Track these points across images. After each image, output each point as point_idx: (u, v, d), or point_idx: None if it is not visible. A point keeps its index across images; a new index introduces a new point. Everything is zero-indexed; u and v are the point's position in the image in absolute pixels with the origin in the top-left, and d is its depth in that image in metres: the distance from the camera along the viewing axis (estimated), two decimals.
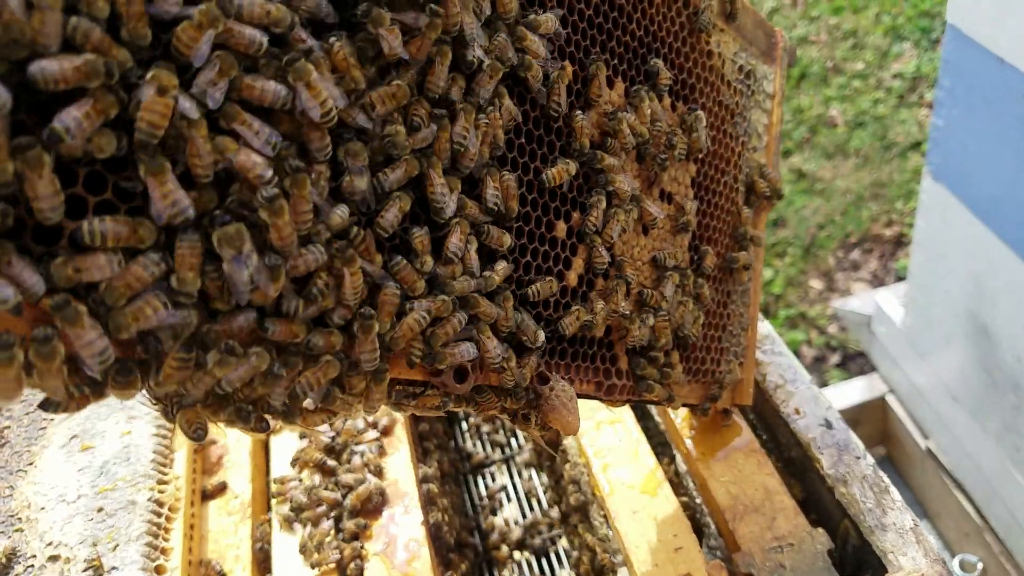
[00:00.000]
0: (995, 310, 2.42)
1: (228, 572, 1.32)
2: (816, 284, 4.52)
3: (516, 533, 1.75)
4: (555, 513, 1.76)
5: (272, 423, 0.77)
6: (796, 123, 5.29)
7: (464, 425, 2.07)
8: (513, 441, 1.99)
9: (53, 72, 0.57)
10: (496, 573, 1.73)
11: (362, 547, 1.31)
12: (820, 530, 1.24)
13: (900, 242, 4.63)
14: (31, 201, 0.58)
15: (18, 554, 1.28)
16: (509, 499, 1.89)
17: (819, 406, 1.39)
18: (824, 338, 4.26)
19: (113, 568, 1.22)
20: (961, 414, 2.81)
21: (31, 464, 1.40)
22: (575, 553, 1.59)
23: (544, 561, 1.75)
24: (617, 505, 1.33)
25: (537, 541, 1.73)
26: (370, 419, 1.48)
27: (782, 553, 1.22)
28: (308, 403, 0.79)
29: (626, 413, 1.48)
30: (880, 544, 1.20)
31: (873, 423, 3.40)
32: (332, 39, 0.72)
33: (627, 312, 1.06)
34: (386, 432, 1.48)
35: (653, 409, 1.57)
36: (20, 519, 1.33)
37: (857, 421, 3.31)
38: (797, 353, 4.21)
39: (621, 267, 1.04)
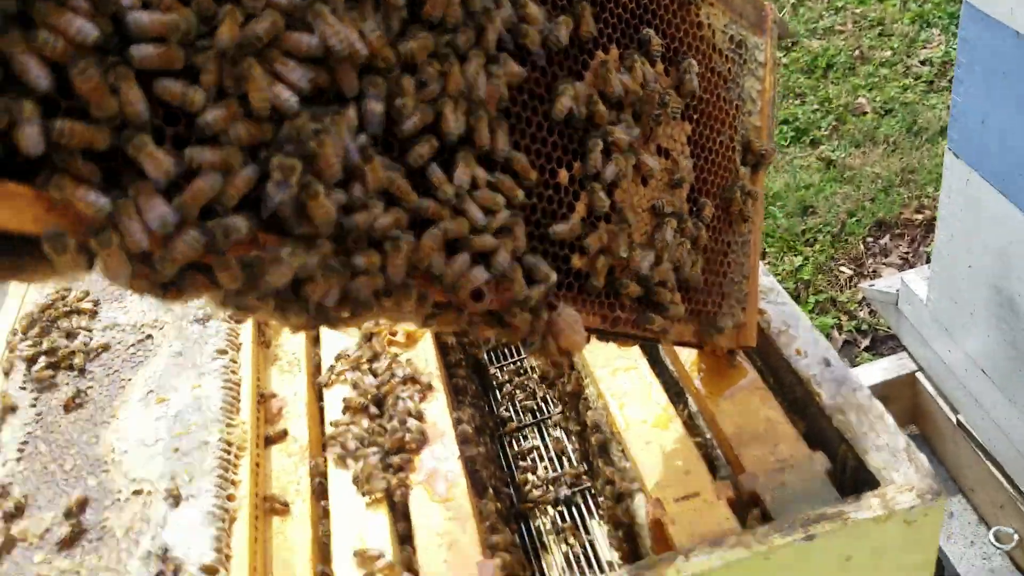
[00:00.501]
0: (1020, 283, 2.49)
1: (291, 502, 1.49)
2: (846, 270, 4.59)
3: (548, 486, 1.90)
4: (583, 468, 1.91)
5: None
6: (824, 113, 5.36)
7: (498, 393, 2.23)
8: (545, 407, 2.14)
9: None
10: (530, 521, 1.88)
11: (406, 478, 1.47)
12: (820, 453, 1.37)
13: (931, 226, 4.67)
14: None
15: (106, 490, 1.47)
16: (541, 458, 2.04)
17: (819, 347, 1.52)
18: (854, 322, 4.33)
19: (190, 496, 1.40)
20: (990, 388, 2.87)
21: (113, 416, 1.59)
22: (599, 487, 1.73)
23: (575, 510, 1.90)
24: (632, 438, 1.47)
25: (568, 492, 1.88)
26: (409, 373, 1.64)
27: (784, 473, 1.35)
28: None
29: (640, 360, 1.62)
30: (874, 463, 1.32)
31: (903, 401, 3.46)
32: None
33: (628, 255, 1.19)
34: (427, 388, 1.65)
35: (666, 358, 1.71)
36: (106, 462, 1.52)
37: (887, 399, 3.38)
38: (828, 337, 4.28)
39: (622, 212, 1.18)
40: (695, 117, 1.32)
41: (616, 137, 1.12)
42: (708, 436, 1.56)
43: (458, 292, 0.98)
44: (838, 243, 4.69)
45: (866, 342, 4.24)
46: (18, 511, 1.45)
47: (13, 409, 1.64)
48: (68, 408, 1.61)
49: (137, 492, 1.44)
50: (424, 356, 1.71)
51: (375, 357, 1.69)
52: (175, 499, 1.40)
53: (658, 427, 1.49)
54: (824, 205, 4.84)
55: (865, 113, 5.31)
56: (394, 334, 1.74)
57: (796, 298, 4.51)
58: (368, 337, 1.73)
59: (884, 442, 1.34)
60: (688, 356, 1.60)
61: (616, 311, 1.22)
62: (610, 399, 1.55)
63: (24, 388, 1.68)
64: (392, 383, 1.63)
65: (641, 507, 1.48)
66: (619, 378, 1.59)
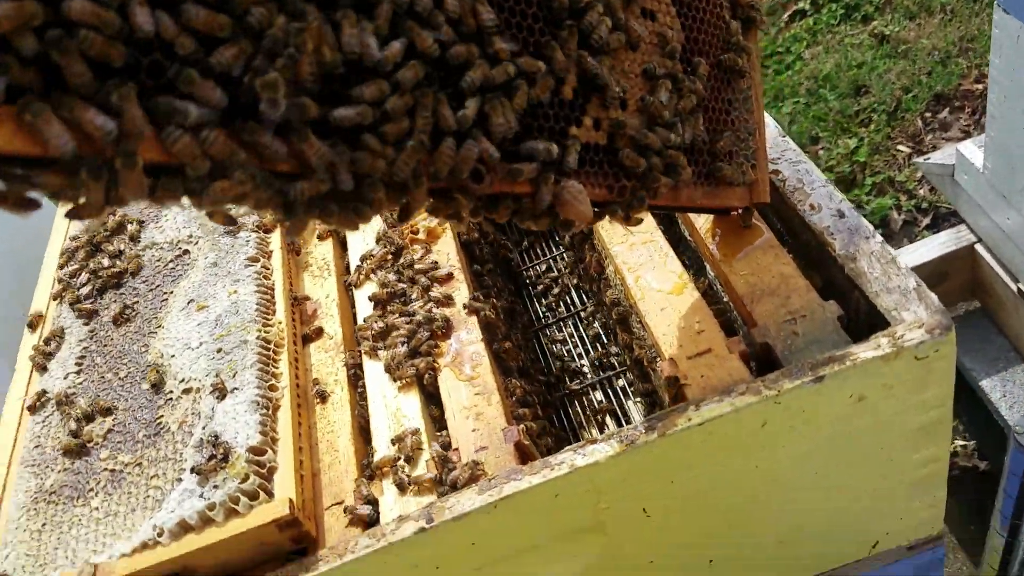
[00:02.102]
0: None
1: (329, 392, 1.59)
2: (904, 148, 4.43)
3: (583, 374, 1.95)
4: (616, 353, 1.95)
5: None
6: None
7: (532, 290, 2.27)
8: (577, 299, 2.18)
9: None
10: (568, 409, 1.94)
11: (434, 362, 1.54)
12: (831, 301, 1.37)
13: None
14: None
15: (159, 391, 1.58)
16: (576, 347, 2.08)
17: (833, 201, 1.51)
18: (914, 201, 4.20)
19: (234, 389, 1.50)
20: None
21: (159, 327, 1.70)
22: (628, 364, 1.78)
23: (611, 394, 1.95)
24: (647, 306, 1.50)
25: (602, 377, 1.93)
26: (434, 261, 1.70)
27: (795, 324, 1.37)
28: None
29: (656, 233, 1.63)
30: (885, 304, 1.32)
31: (963, 275, 3.37)
32: None
33: (625, 121, 1.20)
34: (448, 276, 1.70)
35: (683, 227, 1.72)
36: (156, 366, 1.63)
37: (945, 274, 3.30)
38: (886, 219, 4.18)
39: (611, 75, 1.18)
40: None
41: None
42: (725, 300, 1.58)
43: (458, 176, 1.01)
44: (894, 121, 4.52)
45: (926, 220, 4.12)
46: (87, 419, 1.58)
47: (67, 329, 1.77)
48: (117, 323, 1.73)
49: (187, 391, 1.55)
50: (446, 251, 1.77)
51: (398, 255, 1.75)
52: (221, 393, 1.50)
53: (673, 293, 1.51)
54: (878, 83, 4.65)
55: None
56: (416, 232, 1.79)
57: (852, 181, 4.39)
58: (391, 237, 1.78)
59: (895, 284, 1.33)
60: (703, 223, 1.60)
61: (621, 180, 1.24)
62: (627, 272, 1.58)
63: (75, 308, 1.80)
64: (415, 277, 1.69)
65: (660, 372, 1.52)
66: (636, 251, 1.61)
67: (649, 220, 1.65)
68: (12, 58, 0.71)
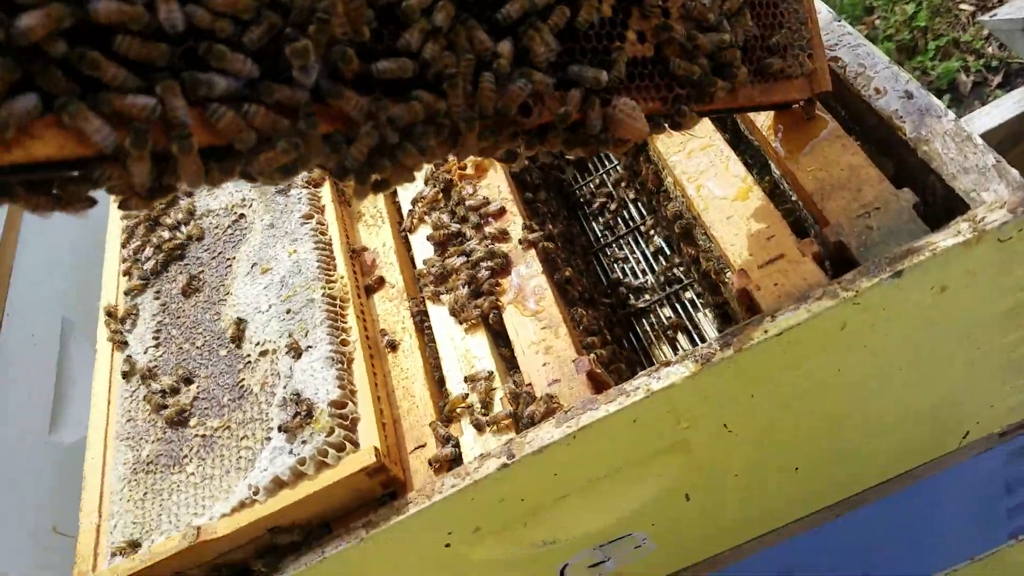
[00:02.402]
0: None
1: (398, 340, 1.60)
2: (966, 6, 4.15)
3: (649, 291, 1.91)
4: (680, 265, 1.91)
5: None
6: None
7: (587, 209, 2.22)
8: (636, 214, 2.12)
9: None
10: (636, 327, 1.91)
11: (497, 300, 1.53)
12: (905, 189, 1.30)
13: None
14: None
15: (236, 356, 1.62)
16: (639, 263, 2.04)
17: (899, 82, 1.41)
18: (983, 60, 3.95)
19: (308, 347, 1.53)
20: None
21: (228, 294, 1.72)
22: (695, 277, 1.74)
23: (679, 308, 1.91)
24: (712, 216, 1.45)
25: (669, 292, 1.89)
26: (484, 197, 1.67)
27: (869, 217, 1.30)
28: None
29: (716, 137, 1.56)
30: (963, 187, 1.24)
31: None
32: None
33: (671, 25, 1.14)
34: (501, 211, 1.67)
35: (743, 127, 1.64)
36: (236, 321, 1.66)
37: (1020, 135, 3.11)
38: (954, 84, 3.95)
39: None
40: None
41: None
42: (793, 199, 1.51)
43: (507, 113, 0.98)
44: None
45: (998, 79, 3.88)
46: (172, 392, 1.63)
47: (140, 305, 1.82)
48: (187, 294, 1.76)
49: (263, 353, 1.58)
50: (496, 183, 1.73)
51: (449, 193, 1.73)
52: (296, 352, 1.53)
53: (738, 199, 1.45)
54: None
55: None
56: (464, 167, 1.76)
57: (913, 48, 4.15)
58: (439, 176, 1.76)
59: (972, 163, 1.25)
60: (764, 120, 1.53)
61: (674, 89, 1.18)
62: (687, 182, 1.52)
63: (145, 284, 1.84)
64: (468, 215, 1.67)
65: (731, 284, 1.48)
66: (695, 158, 1.55)
67: (706, 123, 1.58)
68: (52, 68, 0.71)
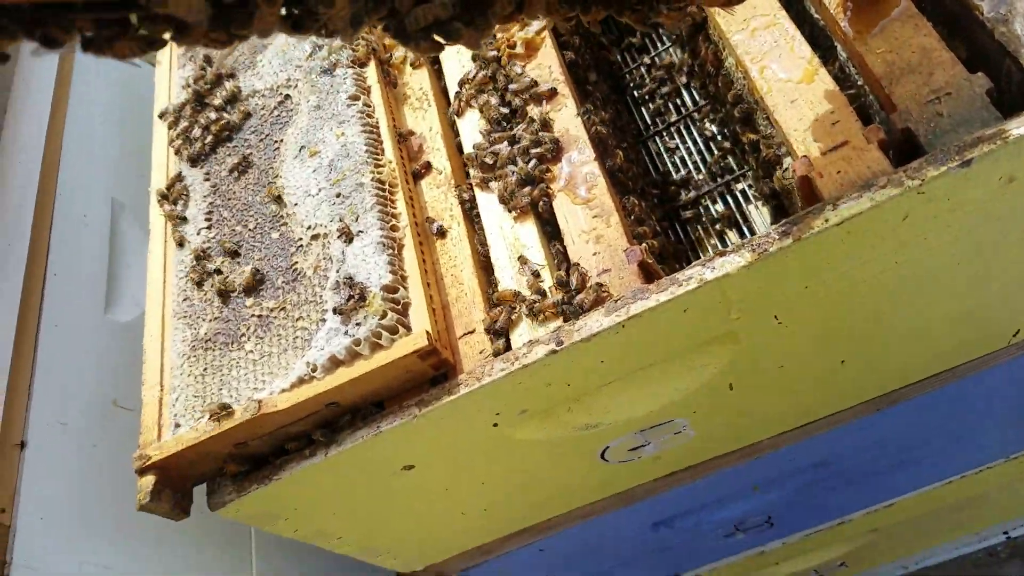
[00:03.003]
0: None
1: (448, 227, 1.59)
2: None
3: (700, 181, 1.87)
4: (735, 154, 1.85)
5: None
6: None
7: (636, 94, 2.15)
8: (689, 100, 2.05)
9: None
10: (685, 220, 1.88)
11: (547, 187, 1.51)
12: (979, 74, 1.23)
13: None
14: None
15: (288, 239, 1.63)
16: (690, 153, 1.98)
17: None
18: None
19: (359, 232, 1.53)
20: None
21: (277, 176, 1.72)
22: (751, 165, 1.69)
23: (730, 199, 1.87)
24: (775, 100, 1.39)
25: (721, 182, 1.85)
26: (532, 80, 1.63)
27: (940, 103, 1.24)
28: None
29: (780, 15, 1.48)
30: None
31: None
32: None
33: None
34: (552, 92, 1.63)
35: (809, 7, 1.56)
36: (282, 216, 1.67)
37: None
38: None
39: None
40: None
41: None
42: (860, 83, 1.45)
43: None
44: None
45: None
46: (218, 272, 1.66)
47: (190, 187, 1.83)
48: (236, 175, 1.77)
49: (315, 236, 1.59)
50: (547, 64, 1.68)
51: (497, 75, 1.68)
52: (348, 237, 1.53)
53: (804, 82, 1.39)
54: None
55: None
56: (512, 46, 1.70)
57: None
58: (487, 56, 1.70)
59: None
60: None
61: None
62: (749, 64, 1.46)
63: (195, 165, 1.85)
64: (518, 97, 1.63)
65: (791, 171, 1.44)
66: (758, 38, 1.48)
67: (771, 1, 1.50)
68: None
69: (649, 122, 2.05)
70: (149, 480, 1.48)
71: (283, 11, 0.83)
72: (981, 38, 1.29)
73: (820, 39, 1.56)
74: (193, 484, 1.57)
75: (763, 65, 1.45)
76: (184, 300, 1.70)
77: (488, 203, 1.57)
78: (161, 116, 1.98)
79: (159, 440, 1.53)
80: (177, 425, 1.53)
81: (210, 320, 1.63)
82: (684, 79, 2.00)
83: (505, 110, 1.63)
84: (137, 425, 1.57)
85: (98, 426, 1.99)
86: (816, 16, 1.55)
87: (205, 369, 1.58)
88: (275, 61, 1.88)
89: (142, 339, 1.71)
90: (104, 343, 2.11)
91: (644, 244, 1.39)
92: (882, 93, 1.32)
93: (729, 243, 1.79)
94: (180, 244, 1.76)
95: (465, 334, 1.46)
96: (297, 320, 1.52)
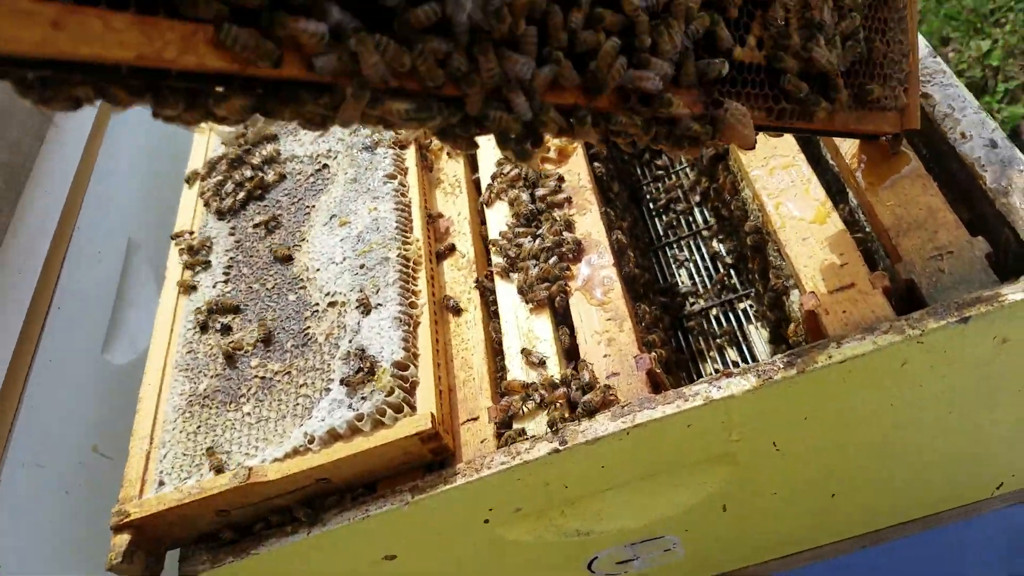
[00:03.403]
0: None
1: (464, 308, 1.65)
2: None
3: (705, 295, 1.95)
4: (740, 275, 1.94)
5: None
6: None
7: (651, 206, 2.26)
8: (700, 217, 2.15)
9: None
10: (687, 329, 1.96)
11: (565, 285, 1.57)
12: (980, 238, 1.33)
13: None
14: None
15: (304, 303, 1.67)
16: (697, 269, 2.07)
17: (985, 129, 1.44)
18: None
19: (378, 304, 1.58)
20: None
21: (303, 240, 1.78)
22: (757, 290, 1.77)
23: (731, 317, 1.95)
24: (788, 235, 1.48)
25: (725, 300, 1.93)
26: (559, 182, 1.71)
27: (942, 260, 1.34)
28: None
29: (799, 158, 1.59)
30: None
31: None
32: None
33: (790, 34, 1.16)
34: (582, 201, 1.71)
35: (826, 152, 1.67)
36: (302, 279, 1.72)
37: None
38: (1018, 129, 3.93)
39: None
40: None
41: None
42: (868, 230, 1.55)
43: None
44: None
45: None
46: (226, 330, 1.69)
47: (214, 239, 1.87)
48: (262, 234, 1.81)
49: (332, 304, 1.63)
50: (577, 171, 1.77)
51: (529, 174, 1.76)
52: (366, 308, 1.58)
53: (816, 222, 1.49)
54: None
55: None
56: (547, 151, 1.80)
57: (983, 87, 4.12)
58: None
59: None
60: (848, 148, 1.56)
61: (781, 103, 1.21)
62: (766, 198, 1.56)
63: (222, 219, 1.90)
64: (547, 198, 1.71)
65: (796, 302, 1.51)
66: (776, 176, 1.58)
67: (790, 142, 1.61)
68: None
69: (662, 232, 2.14)
70: (124, 539, 1.43)
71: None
72: (983, 205, 1.39)
73: (834, 183, 1.67)
74: (167, 548, 1.52)
75: (779, 201, 1.54)
76: (188, 352, 1.71)
77: (506, 292, 1.63)
78: (188, 181, 2.02)
79: (140, 497, 1.49)
80: (161, 483, 1.50)
81: (212, 376, 1.64)
82: (698, 198, 2.11)
83: (532, 206, 1.71)
84: (114, 475, 1.53)
85: (74, 472, 1.92)
86: (832, 163, 1.66)
87: (199, 427, 1.56)
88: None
89: (134, 384, 1.69)
90: (95, 384, 2.08)
91: (653, 353, 1.44)
92: (889, 243, 1.41)
93: (728, 358, 1.86)
94: (191, 290, 1.79)
95: (468, 420, 1.49)
96: (301, 386, 1.54)
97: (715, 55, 1.11)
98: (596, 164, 1.83)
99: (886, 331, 1.25)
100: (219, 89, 0.75)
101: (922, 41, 1.56)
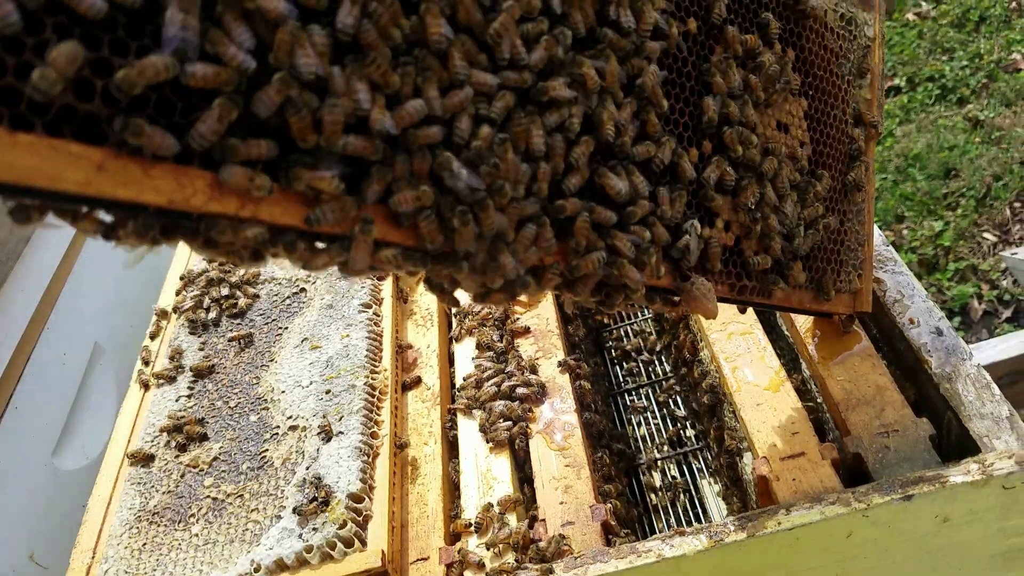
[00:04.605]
0: None
1: (425, 442, 1.66)
2: (990, 236, 4.37)
3: (659, 445, 1.99)
4: (694, 430, 1.99)
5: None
6: (973, 69, 5.07)
7: (614, 353, 2.32)
8: (659, 368, 2.22)
9: None
10: (640, 477, 1.98)
11: (527, 426, 1.61)
12: (924, 419, 1.40)
13: None
14: None
15: (265, 425, 1.68)
16: (654, 416, 2.12)
17: (932, 317, 1.54)
18: (996, 292, 4.14)
19: (339, 432, 1.59)
20: None
21: (272, 360, 1.80)
22: (710, 445, 1.81)
23: (685, 469, 1.98)
24: (743, 399, 1.55)
25: (678, 452, 1.97)
26: (530, 330, 1.77)
27: (888, 437, 1.40)
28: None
29: (756, 327, 1.68)
30: (977, 430, 1.35)
31: None
32: None
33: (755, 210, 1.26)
34: (547, 346, 1.77)
35: (782, 324, 1.76)
36: (266, 400, 1.73)
37: (1021, 375, 3.23)
38: (966, 308, 4.13)
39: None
40: (810, 93, 1.36)
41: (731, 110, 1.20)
42: (819, 401, 1.61)
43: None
44: (982, 208, 4.46)
45: (1007, 313, 4.05)
46: (189, 441, 1.68)
47: (184, 352, 1.89)
48: (232, 352, 1.84)
49: (293, 427, 1.64)
50: (545, 316, 1.84)
51: (499, 316, 1.83)
52: (327, 435, 1.59)
53: (769, 390, 1.55)
54: (968, 167, 4.61)
55: (1019, 70, 4.98)
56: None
57: (934, 265, 4.35)
58: None
59: (988, 411, 1.36)
60: (803, 323, 1.65)
61: (743, 280, 1.30)
62: (723, 362, 1.63)
63: (193, 333, 1.92)
64: (514, 340, 1.76)
65: (749, 464, 1.56)
66: (734, 341, 1.66)
67: (749, 312, 1.70)
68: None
69: (621, 379, 2.19)
70: None
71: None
72: (928, 388, 1.47)
73: (787, 352, 1.75)
74: None
75: (735, 366, 1.61)
76: (143, 467, 1.70)
77: (467, 429, 1.66)
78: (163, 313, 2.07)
79: None
80: None
81: (163, 492, 1.62)
82: (658, 349, 2.18)
83: (500, 345, 1.76)
84: None
85: None
86: (787, 333, 1.74)
87: (144, 544, 1.54)
88: None
89: (79, 492, 1.67)
90: (40, 489, 2.03)
91: (609, 504, 1.46)
92: (839, 416, 1.47)
93: (680, 511, 1.88)
94: (146, 387, 1.79)
95: (418, 559, 1.48)
96: (252, 511, 1.53)
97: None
98: (564, 311, 1.90)
99: (833, 502, 1.29)
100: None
101: (877, 232, 1.68)
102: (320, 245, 0.84)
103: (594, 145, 1.03)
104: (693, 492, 1.93)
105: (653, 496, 1.95)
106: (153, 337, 1.97)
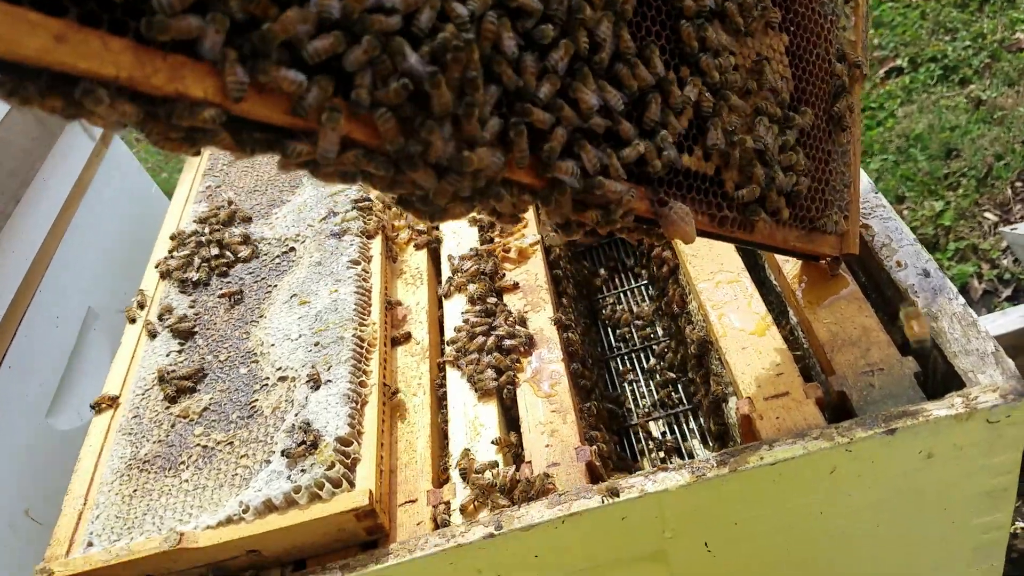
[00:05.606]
0: None
1: (414, 394, 1.67)
2: (990, 216, 4.35)
3: (650, 406, 1.99)
4: (685, 388, 1.99)
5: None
6: (976, 49, 5.05)
7: (607, 320, 2.32)
8: (651, 333, 2.22)
9: None
10: (632, 439, 1.98)
11: (514, 376, 1.61)
12: (910, 358, 1.40)
13: None
14: None
15: (255, 377, 1.69)
16: (647, 380, 2.12)
17: (919, 259, 1.54)
18: (996, 271, 4.12)
19: (328, 381, 1.60)
20: None
21: (262, 316, 1.81)
22: (699, 397, 1.81)
23: (675, 429, 1.98)
24: (728, 344, 1.54)
25: (669, 412, 1.97)
26: (520, 284, 1.78)
27: (873, 376, 1.40)
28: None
29: (743, 275, 1.67)
30: (962, 366, 1.34)
31: None
32: None
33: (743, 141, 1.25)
34: (536, 299, 1.77)
35: (769, 272, 1.76)
36: (255, 353, 1.74)
37: (1020, 349, 3.21)
38: (966, 287, 4.11)
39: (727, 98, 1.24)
40: (791, 29, 1.36)
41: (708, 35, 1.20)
42: (806, 347, 1.61)
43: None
44: (983, 188, 4.44)
45: (1007, 292, 4.03)
46: (180, 393, 1.69)
47: (175, 309, 1.90)
48: (222, 308, 1.85)
49: (282, 378, 1.65)
50: (534, 271, 1.84)
51: (489, 271, 1.83)
52: (316, 383, 1.60)
53: (755, 334, 1.55)
54: (970, 147, 4.59)
55: (1022, 50, 4.96)
56: (507, 251, 1.87)
57: (935, 244, 4.33)
58: (482, 254, 1.87)
59: (974, 347, 1.35)
60: (791, 269, 1.64)
61: (724, 210, 1.29)
62: (710, 309, 1.63)
63: (183, 291, 1.93)
64: (504, 293, 1.77)
65: (733, 408, 1.56)
66: (721, 289, 1.66)
67: (736, 260, 1.70)
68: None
69: (614, 344, 2.19)
70: None
71: None
72: None
73: (776, 304, 1.75)
74: None
75: (722, 313, 1.61)
76: (134, 417, 1.71)
77: (455, 379, 1.66)
78: (156, 266, 2.08)
79: (67, 556, 1.46)
80: (90, 544, 1.47)
81: (154, 442, 1.63)
82: (649, 313, 2.18)
83: (492, 300, 1.76)
84: (42, 541, 1.50)
85: (1, 533, 1.89)
86: (775, 283, 1.74)
87: (135, 491, 1.55)
88: (290, 216, 2.03)
89: (74, 450, 1.68)
90: (36, 448, 2.06)
91: (595, 447, 1.47)
92: (824, 358, 1.47)
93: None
94: (152, 336, 1.80)
95: (406, 502, 1.49)
96: (241, 457, 1.53)
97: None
98: (555, 270, 1.90)
99: (816, 437, 1.29)
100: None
101: (864, 177, 1.68)
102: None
103: (573, 51, 1.02)
104: (684, 454, 1.93)
105: (645, 463, 1.95)
106: (142, 303, 1.98)
